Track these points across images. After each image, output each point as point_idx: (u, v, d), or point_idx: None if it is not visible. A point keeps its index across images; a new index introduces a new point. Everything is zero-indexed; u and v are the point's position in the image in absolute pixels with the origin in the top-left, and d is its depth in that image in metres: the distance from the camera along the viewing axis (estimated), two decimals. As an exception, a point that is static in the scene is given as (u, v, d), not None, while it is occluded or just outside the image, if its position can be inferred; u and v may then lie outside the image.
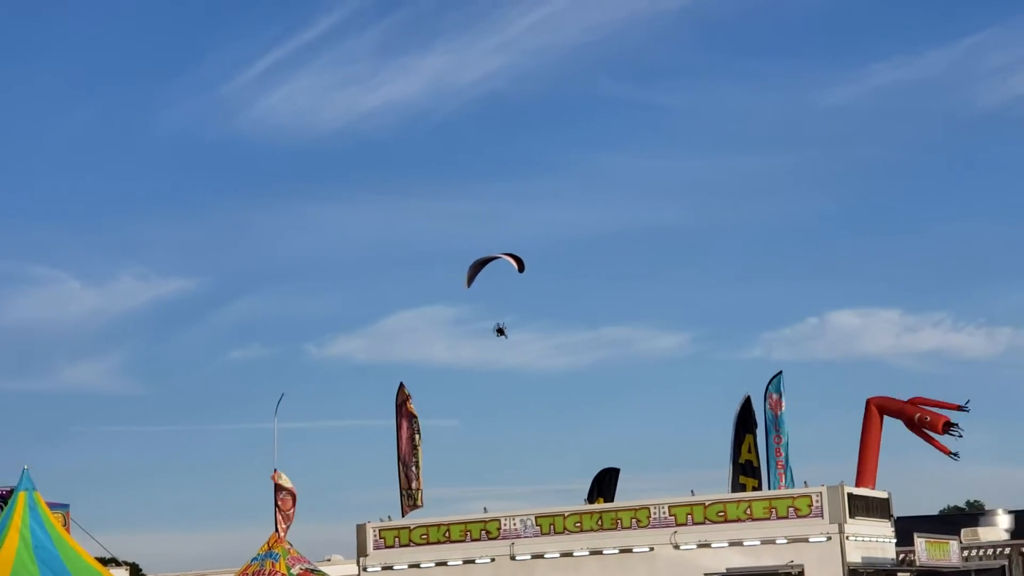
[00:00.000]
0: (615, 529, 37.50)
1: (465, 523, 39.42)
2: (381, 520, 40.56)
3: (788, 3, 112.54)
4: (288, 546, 33.12)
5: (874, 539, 36.51)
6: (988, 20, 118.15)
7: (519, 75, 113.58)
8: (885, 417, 39.52)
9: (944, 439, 38.96)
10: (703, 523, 36.47)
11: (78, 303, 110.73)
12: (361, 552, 40.41)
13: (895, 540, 37.92)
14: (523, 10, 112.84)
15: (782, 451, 39.95)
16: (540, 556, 38.18)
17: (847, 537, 35.02)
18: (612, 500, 41.20)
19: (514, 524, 38.76)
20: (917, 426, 39.18)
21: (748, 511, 36.14)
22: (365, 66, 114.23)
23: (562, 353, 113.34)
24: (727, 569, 35.89)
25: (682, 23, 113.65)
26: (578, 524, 38.02)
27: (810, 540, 35.15)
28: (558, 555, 37.92)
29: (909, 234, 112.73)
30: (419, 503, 41.45)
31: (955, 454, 39.24)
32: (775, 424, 40.14)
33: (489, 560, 38.74)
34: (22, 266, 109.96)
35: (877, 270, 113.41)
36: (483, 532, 39.05)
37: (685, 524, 36.64)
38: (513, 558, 38.48)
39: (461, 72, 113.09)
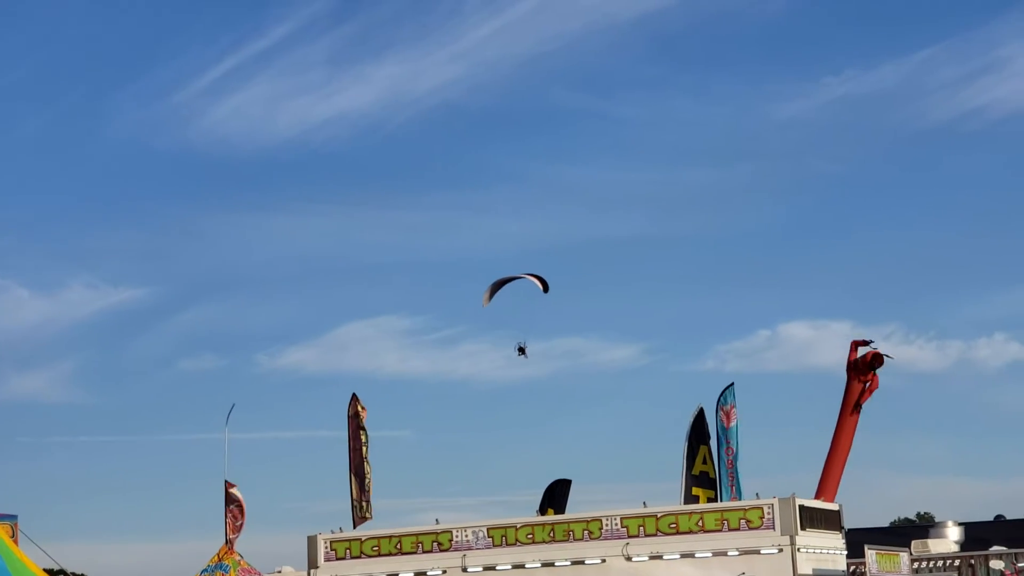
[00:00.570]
0: (567, 541, 37.47)
1: (417, 535, 39.30)
2: (332, 531, 40.39)
3: (742, 17, 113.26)
4: (238, 557, 32.95)
5: (825, 551, 36.63)
6: (940, 35, 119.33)
7: (473, 85, 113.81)
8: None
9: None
10: (655, 535, 36.49)
11: (27, 312, 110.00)
12: (312, 564, 40.22)
13: (846, 552, 38.07)
14: (478, 21, 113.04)
15: (733, 463, 40.01)
16: (492, 568, 38.10)
17: (798, 549, 35.12)
18: (564, 512, 41.18)
19: (466, 536, 38.67)
20: (861, 368, 39.53)
21: (700, 523, 36.18)
22: (318, 75, 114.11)
23: (514, 364, 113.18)
24: (679, 581, 35.93)
25: (636, 35, 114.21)
26: (530, 536, 37.97)
27: (762, 552, 35.25)
28: (510, 567, 37.85)
29: (861, 246, 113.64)
30: (368, 515, 41.19)
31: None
32: (726, 436, 40.19)
33: (441, 572, 38.64)
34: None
35: (829, 282, 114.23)
36: (435, 544, 38.93)
37: (637, 536, 36.64)
38: (465, 570, 38.39)
39: (415, 82, 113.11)
